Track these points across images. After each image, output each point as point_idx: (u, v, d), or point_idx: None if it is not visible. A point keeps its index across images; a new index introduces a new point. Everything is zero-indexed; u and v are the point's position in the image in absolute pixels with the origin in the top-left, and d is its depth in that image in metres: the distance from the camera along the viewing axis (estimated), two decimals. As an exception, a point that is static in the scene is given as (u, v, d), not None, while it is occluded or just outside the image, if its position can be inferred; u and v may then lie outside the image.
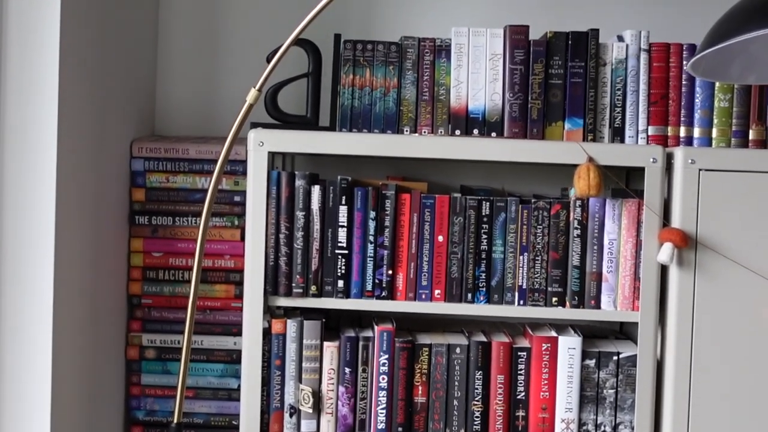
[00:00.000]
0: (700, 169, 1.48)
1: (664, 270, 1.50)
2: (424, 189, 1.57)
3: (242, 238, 1.68)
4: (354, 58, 1.61)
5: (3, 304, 1.35)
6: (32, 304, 1.35)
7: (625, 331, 1.71)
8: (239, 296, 1.68)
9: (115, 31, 1.61)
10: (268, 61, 1.61)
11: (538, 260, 1.52)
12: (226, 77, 1.86)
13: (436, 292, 1.52)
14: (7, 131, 1.34)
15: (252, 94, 1.29)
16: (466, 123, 1.60)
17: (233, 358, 1.69)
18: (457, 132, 1.60)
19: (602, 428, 1.52)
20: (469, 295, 1.52)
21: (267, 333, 1.52)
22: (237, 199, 1.69)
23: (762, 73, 1.28)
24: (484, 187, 1.72)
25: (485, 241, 1.52)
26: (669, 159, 1.51)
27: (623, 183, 1.65)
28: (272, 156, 1.53)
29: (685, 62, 1.60)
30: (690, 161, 1.48)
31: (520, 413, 1.52)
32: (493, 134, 1.59)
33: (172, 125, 1.87)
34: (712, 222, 1.47)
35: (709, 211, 1.47)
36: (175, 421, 1.35)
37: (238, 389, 1.68)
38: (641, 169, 1.51)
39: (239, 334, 1.67)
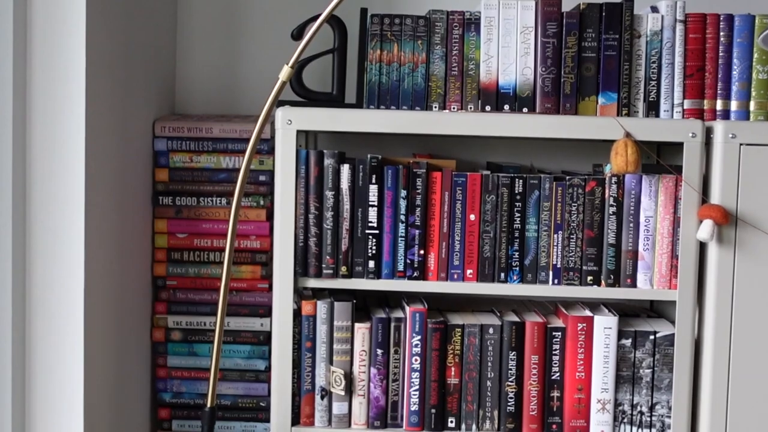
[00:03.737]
0: (740, 144, 1.44)
1: (702, 247, 1.47)
2: (452, 167, 1.54)
3: (268, 218, 1.66)
4: (381, 32, 1.56)
5: (35, 289, 1.33)
6: (64, 287, 1.33)
7: (656, 309, 1.68)
8: (265, 277, 1.66)
9: (136, 11, 1.57)
10: (293, 37, 1.57)
11: (572, 238, 1.49)
12: (246, 54, 1.82)
13: (469, 271, 1.49)
14: (35, 116, 1.31)
15: (285, 71, 1.26)
16: (497, 98, 1.56)
17: (260, 339, 1.67)
18: (488, 108, 1.56)
19: (638, 408, 1.49)
20: (502, 275, 1.49)
21: (297, 315, 1.50)
22: (262, 178, 1.66)
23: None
24: (512, 163, 1.68)
25: (518, 219, 1.49)
26: (708, 133, 1.47)
27: (654, 158, 1.61)
28: (297, 134, 1.50)
29: (722, 33, 1.55)
30: (731, 135, 1.44)
31: (555, 394, 1.50)
32: (525, 110, 1.55)
33: (192, 104, 1.83)
34: (753, 198, 1.44)
35: (750, 187, 1.44)
36: (209, 404, 1.33)
37: (266, 371, 1.66)
38: (674, 144, 1.48)
39: (266, 315, 1.66)
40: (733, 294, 1.44)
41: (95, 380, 1.41)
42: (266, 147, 1.65)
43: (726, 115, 1.56)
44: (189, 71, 1.83)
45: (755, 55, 1.55)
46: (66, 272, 1.32)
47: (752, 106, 1.56)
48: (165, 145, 1.67)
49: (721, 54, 1.56)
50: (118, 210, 1.50)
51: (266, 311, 1.66)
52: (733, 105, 1.56)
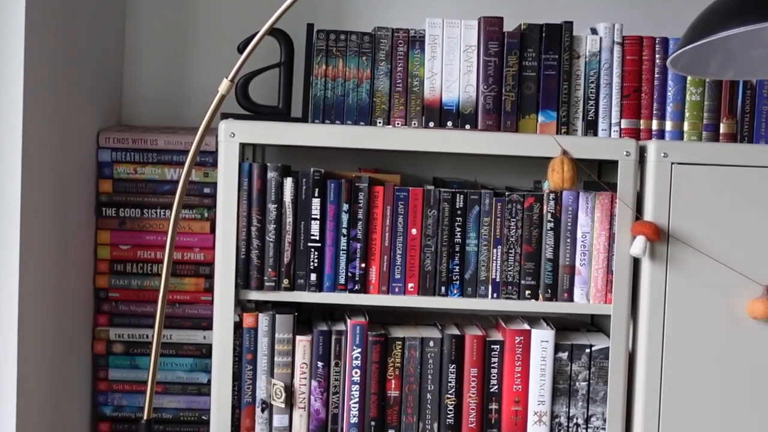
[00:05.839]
0: (672, 163, 1.48)
1: (636, 263, 1.51)
2: (397, 181, 1.56)
3: (212, 231, 1.66)
4: (327, 48, 1.58)
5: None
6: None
7: (596, 324, 1.72)
8: (209, 289, 1.66)
9: (82, 18, 1.57)
10: (239, 50, 1.58)
11: (511, 253, 1.51)
12: (194, 66, 1.83)
13: (410, 285, 1.51)
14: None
15: (224, 84, 1.27)
16: (440, 115, 1.59)
17: (203, 352, 1.67)
18: (431, 124, 1.59)
19: (574, 420, 1.52)
20: (443, 289, 1.51)
21: (238, 327, 1.50)
22: (207, 191, 1.66)
23: (739, 69, 1.29)
24: (457, 179, 1.71)
25: (459, 234, 1.51)
26: (642, 152, 1.51)
27: (596, 176, 1.65)
28: (242, 147, 1.51)
29: (657, 55, 1.60)
30: (663, 155, 1.48)
31: (494, 406, 1.52)
32: (467, 126, 1.58)
33: (139, 115, 1.83)
34: (684, 215, 1.48)
35: (681, 205, 1.48)
36: (146, 417, 1.32)
37: (208, 384, 1.65)
38: (613, 162, 1.51)
39: (209, 327, 1.65)
40: (665, 308, 1.48)
41: (30, 393, 1.39)
42: (211, 159, 1.65)
43: (661, 134, 1.61)
44: (136, 82, 1.82)
45: (689, 78, 1.60)
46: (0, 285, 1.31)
47: (686, 126, 1.61)
48: (109, 155, 1.66)
49: (656, 75, 1.61)
50: (58, 220, 1.49)
51: (209, 324, 1.64)
52: (668, 125, 1.61)
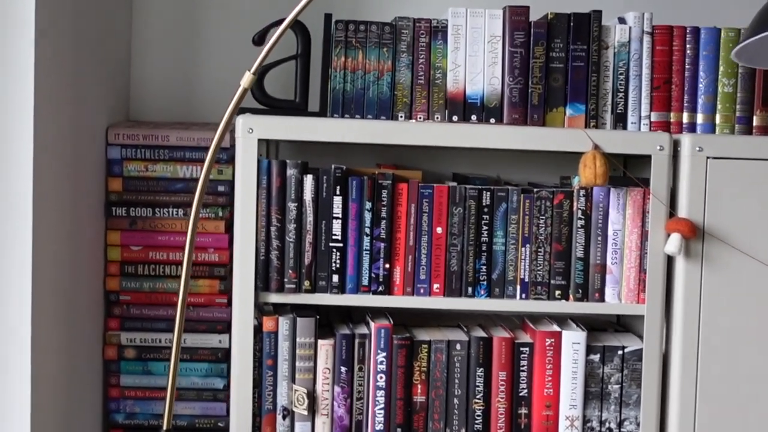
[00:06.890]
0: (707, 157, 1.43)
1: (670, 261, 1.46)
2: (418, 178, 1.50)
3: (227, 230, 1.60)
4: (346, 39, 1.52)
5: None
6: (10, 302, 1.25)
7: (623, 323, 1.67)
8: (224, 291, 1.60)
9: (89, 13, 1.50)
10: (254, 42, 1.52)
11: (540, 252, 1.46)
12: (204, 59, 1.76)
13: (435, 286, 1.45)
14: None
15: (247, 77, 1.20)
16: (464, 108, 1.53)
17: (218, 356, 1.61)
18: (455, 118, 1.53)
19: (607, 425, 1.47)
20: (470, 289, 1.46)
21: (257, 331, 1.44)
22: (221, 189, 1.60)
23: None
24: (479, 175, 1.65)
25: (486, 232, 1.46)
26: (675, 146, 1.46)
27: (621, 171, 1.60)
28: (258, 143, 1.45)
29: (688, 45, 1.55)
30: (698, 149, 1.43)
31: (523, 411, 1.46)
32: (492, 120, 1.53)
33: (148, 110, 1.76)
34: (720, 211, 1.43)
35: (717, 201, 1.43)
36: (165, 426, 1.26)
37: (224, 390, 1.60)
38: (640, 157, 1.46)
39: (224, 331, 1.59)
40: (700, 308, 1.43)
41: (42, 400, 1.33)
42: (225, 156, 1.59)
43: (692, 128, 1.56)
44: (145, 76, 1.76)
45: (721, 69, 1.55)
46: (13, 288, 1.25)
47: (718, 119, 1.56)
48: (119, 153, 1.60)
49: (687, 66, 1.55)
50: (68, 221, 1.43)
51: (225, 327, 1.59)
52: (699, 118, 1.56)
